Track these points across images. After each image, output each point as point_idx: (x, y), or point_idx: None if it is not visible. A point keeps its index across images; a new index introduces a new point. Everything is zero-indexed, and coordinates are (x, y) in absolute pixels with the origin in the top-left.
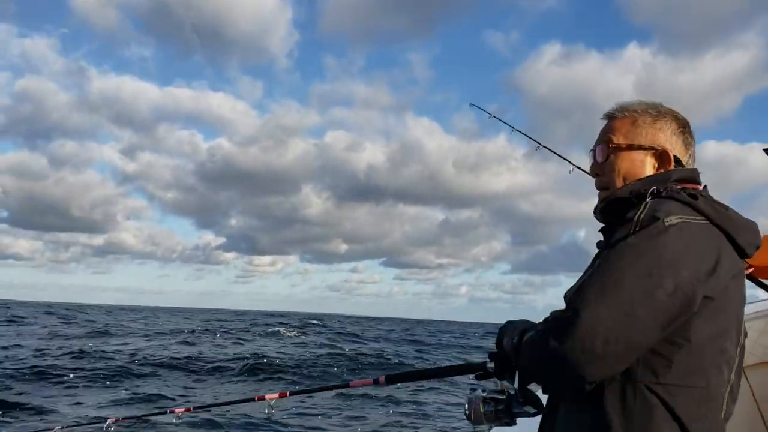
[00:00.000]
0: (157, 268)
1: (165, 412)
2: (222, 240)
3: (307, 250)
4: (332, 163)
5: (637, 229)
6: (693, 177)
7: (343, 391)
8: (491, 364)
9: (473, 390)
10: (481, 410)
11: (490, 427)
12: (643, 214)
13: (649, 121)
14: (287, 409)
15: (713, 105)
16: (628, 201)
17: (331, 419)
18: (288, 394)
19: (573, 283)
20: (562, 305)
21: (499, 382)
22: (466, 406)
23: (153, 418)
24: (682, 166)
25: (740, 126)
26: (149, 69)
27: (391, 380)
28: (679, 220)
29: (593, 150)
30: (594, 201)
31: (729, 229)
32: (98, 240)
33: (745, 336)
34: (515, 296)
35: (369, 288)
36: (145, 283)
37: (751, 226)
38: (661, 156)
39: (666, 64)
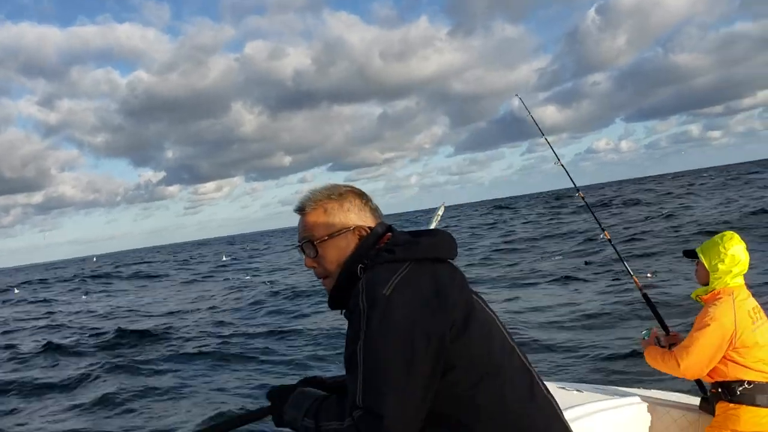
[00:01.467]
0: (104, 214)
1: None
2: (162, 174)
3: (251, 168)
4: (257, 75)
5: (367, 312)
6: (385, 230)
7: None
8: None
9: None
10: None
11: None
12: (363, 297)
13: (337, 206)
14: None
15: None
16: (347, 285)
17: None
18: None
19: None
20: (508, 176)
21: None
22: None
23: None
24: (376, 231)
25: None
26: (47, 11)
27: None
28: (394, 283)
29: (300, 247)
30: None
31: (429, 255)
32: (37, 197)
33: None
34: (463, 176)
35: None
36: (96, 231)
37: (444, 239)
38: (359, 232)
39: None
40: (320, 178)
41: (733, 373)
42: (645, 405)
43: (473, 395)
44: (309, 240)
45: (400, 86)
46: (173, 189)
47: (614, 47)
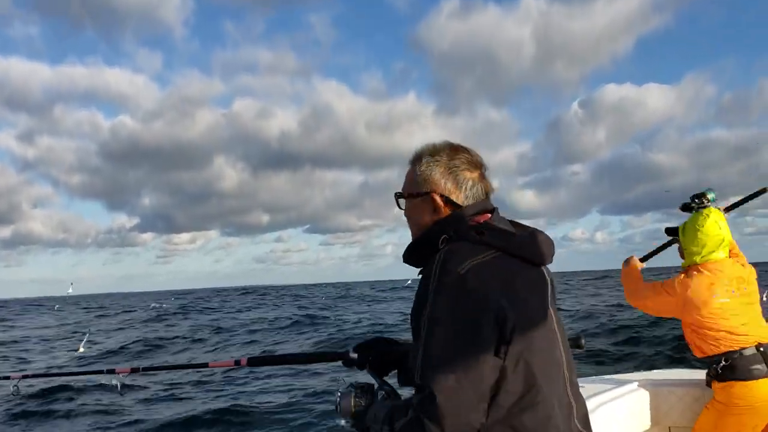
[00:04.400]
0: (72, 256)
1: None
2: (136, 221)
3: (227, 223)
4: (243, 132)
5: (437, 285)
6: (483, 208)
7: (204, 371)
8: (354, 355)
9: (348, 386)
10: (352, 404)
11: (348, 421)
12: (438, 269)
13: (423, 167)
14: (142, 387)
15: (608, 49)
16: (426, 247)
17: (186, 398)
18: (140, 369)
19: None
20: None
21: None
22: (339, 397)
23: None
24: (455, 203)
25: (636, 68)
26: (37, 48)
27: (253, 362)
28: (471, 264)
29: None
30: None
31: (519, 252)
32: (5, 231)
33: (581, 347)
34: None
35: (296, 256)
36: (62, 272)
37: (541, 240)
38: (432, 200)
39: (560, 11)
40: (296, 238)
41: (707, 349)
42: (647, 390)
43: (521, 409)
44: (397, 192)
45: (382, 157)
46: (146, 236)
47: (594, 141)
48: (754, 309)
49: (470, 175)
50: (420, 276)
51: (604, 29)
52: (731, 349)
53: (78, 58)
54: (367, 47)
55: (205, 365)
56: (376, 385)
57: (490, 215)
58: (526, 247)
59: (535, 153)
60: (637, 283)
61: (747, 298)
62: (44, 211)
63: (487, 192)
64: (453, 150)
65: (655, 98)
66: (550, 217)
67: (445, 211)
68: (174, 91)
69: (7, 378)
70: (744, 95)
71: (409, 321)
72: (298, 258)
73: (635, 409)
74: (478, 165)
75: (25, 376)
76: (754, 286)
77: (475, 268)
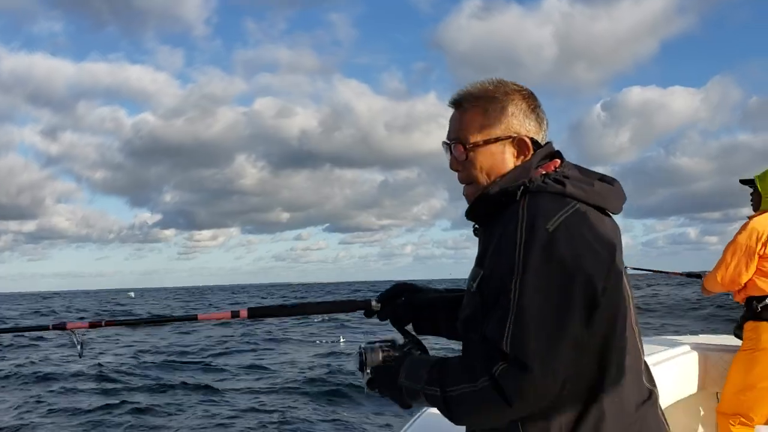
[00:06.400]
0: (96, 250)
1: None
2: (158, 217)
3: (248, 221)
4: (264, 130)
5: (526, 245)
6: (551, 152)
7: (191, 325)
8: (377, 305)
9: (369, 344)
10: (380, 357)
11: (369, 373)
12: (524, 225)
13: (499, 108)
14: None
15: (631, 51)
16: (499, 199)
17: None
18: (103, 323)
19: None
20: None
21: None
22: (362, 350)
23: None
24: (539, 144)
25: (660, 70)
26: (61, 44)
27: (254, 314)
28: (559, 220)
29: (448, 144)
30: None
31: (599, 203)
32: (29, 226)
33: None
34: (458, 251)
35: (315, 254)
36: (85, 266)
37: (616, 191)
38: (519, 143)
39: (583, 13)
40: (315, 237)
41: (759, 286)
42: (696, 353)
43: (600, 370)
44: (460, 142)
45: (402, 156)
46: (168, 233)
47: (617, 143)
48: None
49: (543, 114)
50: (477, 229)
51: (628, 31)
52: None
53: (101, 54)
54: (387, 47)
55: (193, 318)
56: (402, 340)
57: (559, 161)
58: (607, 198)
59: None
60: (708, 274)
61: None
62: (67, 206)
63: None
64: (518, 85)
65: (680, 101)
66: None
67: (529, 155)
68: (195, 89)
69: None
70: None
71: (474, 278)
72: (318, 256)
73: (685, 372)
74: (540, 105)
75: None
76: None
77: (564, 225)
